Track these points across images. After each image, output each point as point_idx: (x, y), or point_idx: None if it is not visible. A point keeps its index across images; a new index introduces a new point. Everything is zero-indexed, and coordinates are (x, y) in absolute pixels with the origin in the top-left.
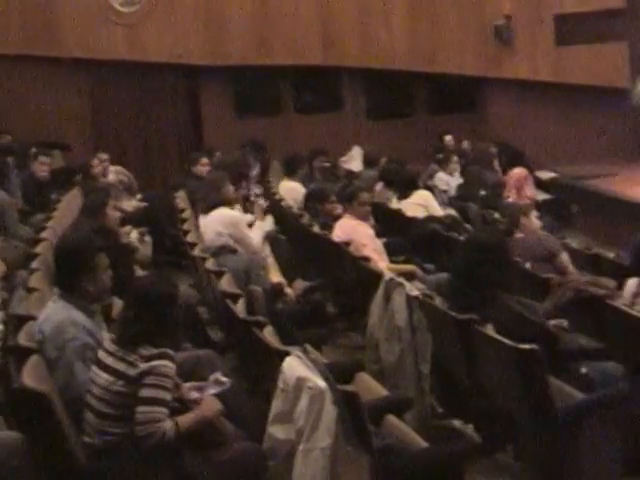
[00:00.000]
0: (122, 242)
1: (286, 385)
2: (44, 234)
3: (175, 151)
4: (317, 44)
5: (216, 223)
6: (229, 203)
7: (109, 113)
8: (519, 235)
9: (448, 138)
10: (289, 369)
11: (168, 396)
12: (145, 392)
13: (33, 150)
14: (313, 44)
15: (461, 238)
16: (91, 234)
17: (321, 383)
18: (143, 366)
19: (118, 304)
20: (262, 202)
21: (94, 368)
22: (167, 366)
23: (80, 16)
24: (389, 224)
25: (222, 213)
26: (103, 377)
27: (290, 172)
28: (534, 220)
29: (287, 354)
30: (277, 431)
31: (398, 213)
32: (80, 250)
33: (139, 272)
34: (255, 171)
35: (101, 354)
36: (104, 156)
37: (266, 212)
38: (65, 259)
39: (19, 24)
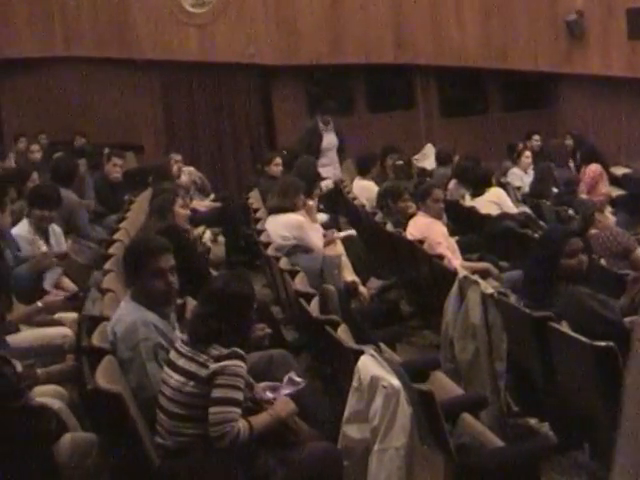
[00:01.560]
0: (192, 241)
1: (361, 384)
2: (117, 235)
3: (248, 151)
4: (389, 42)
5: (281, 227)
6: (296, 210)
7: (182, 114)
8: (594, 232)
9: (536, 137)
10: (364, 368)
11: (240, 396)
12: (217, 392)
13: (106, 152)
14: (385, 42)
15: (535, 235)
16: (157, 235)
17: (396, 382)
18: (214, 366)
19: (192, 304)
20: (312, 203)
21: (166, 369)
22: (238, 366)
23: (152, 18)
24: (462, 222)
25: (288, 217)
26: (175, 378)
27: (363, 171)
28: (609, 216)
29: (361, 353)
30: (352, 430)
31: (471, 211)
32: (146, 251)
33: (213, 272)
34: None
35: (172, 355)
36: (178, 157)
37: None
38: (132, 260)
39: (92, 27)
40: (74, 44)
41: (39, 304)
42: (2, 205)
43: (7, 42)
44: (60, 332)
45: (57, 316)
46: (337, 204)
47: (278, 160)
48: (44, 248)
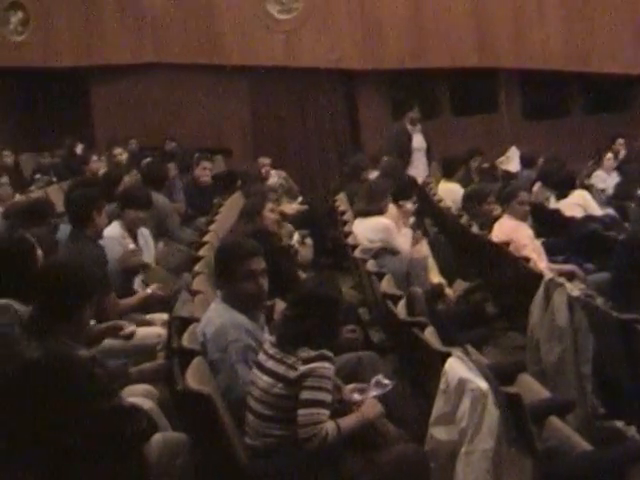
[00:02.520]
0: (282, 244)
1: (448, 386)
2: (207, 237)
3: (334, 154)
4: (472, 46)
5: (368, 230)
6: (383, 213)
7: (269, 118)
8: None
9: (620, 141)
10: (451, 370)
11: (328, 398)
12: (305, 394)
13: (196, 155)
14: (468, 46)
15: (620, 237)
16: (247, 238)
17: (483, 384)
18: (302, 368)
19: (280, 306)
20: (410, 206)
21: (255, 370)
22: (326, 368)
23: (240, 24)
24: (547, 224)
25: (376, 221)
26: (263, 379)
27: (448, 173)
28: None
29: (449, 355)
30: (439, 432)
31: (556, 213)
32: (237, 254)
33: (301, 274)
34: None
35: (261, 356)
36: (266, 160)
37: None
38: (224, 263)
39: (181, 34)
40: (164, 51)
41: (148, 290)
42: (99, 208)
43: (99, 49)
44: (154, 331)
45: (148, 317)
46: (423, 206)
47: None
48: (132, 246)
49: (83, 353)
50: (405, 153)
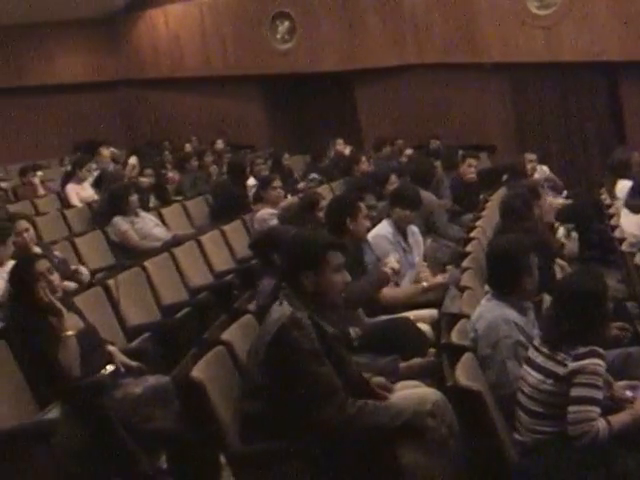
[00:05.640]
0: (549, 239)
1: None
2: (474, 233)
3: (596, 148)
4: None
5: (634, 225)
6: None
7: (531, 114)
8: None
9: None
10: None
11: (600, 395)
12: (576, 391)
13: (461, 153)
14: None
15: None
16: (523, 235)
17: None
18: (573, 365)
19: (547, 300)
20: None
21: (525, 366)
22: (597, 364)
23: (499, 21)
24: None
25: None
26: (533, 375)
27: None
28: None
29: None
30: None
31: None
32: (516, 252)
33: (566, 268)
34: None
35: (531, 352)
36: (532, 156)
37: None
38: (502, 261)
39: (442, 34)
40: (425, 51)
41: (424, 284)
42: (355, 214)
43: (362, 53)
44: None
45: (416, 312)
46: None
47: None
48: (395, 264)
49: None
50: None
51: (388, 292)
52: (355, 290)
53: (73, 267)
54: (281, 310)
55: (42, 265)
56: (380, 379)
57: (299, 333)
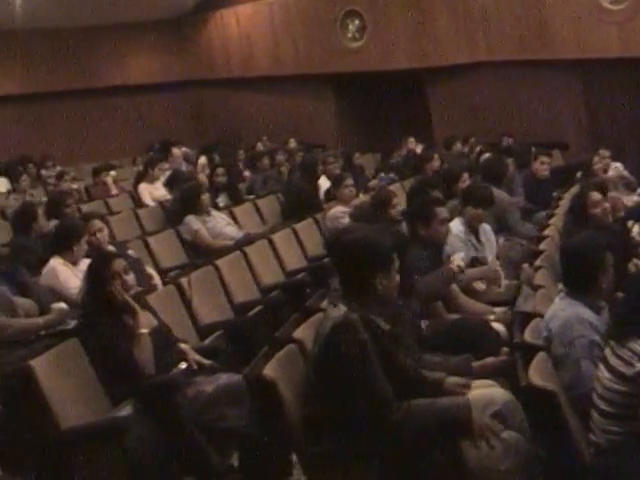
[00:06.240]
0: (627, 238)
1: None
2: (547, 232)
3: None
4: None
5: None
6: None
7: (604, 111)
8: None
9: None
10: None
11: None
12: None
13: (534, 150)
14: None
15: None
16: (597, 234)
17: None
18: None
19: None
20: None
21: (600, 366)
22: None
23: (571, 17)
24: None
25: None
26: (605, 375)
27: None
28: None
29: None
30: None
31: None
32: (591, 250)
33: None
34: None
35: (607, 351)
36: (606, 153)
37: None
38: (578, 260)
39: (512, 31)
40: (496, 48)
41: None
42: (431, 217)
43: (433, 51)
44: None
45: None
46: None
47: None
48: (460, 262)
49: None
50: None
51: (464, 299)
52: (424, 285)
53: (148, 270)
54: (336, 312)
55: (119, 264)
56: (457, 379)
57: (349, 337)
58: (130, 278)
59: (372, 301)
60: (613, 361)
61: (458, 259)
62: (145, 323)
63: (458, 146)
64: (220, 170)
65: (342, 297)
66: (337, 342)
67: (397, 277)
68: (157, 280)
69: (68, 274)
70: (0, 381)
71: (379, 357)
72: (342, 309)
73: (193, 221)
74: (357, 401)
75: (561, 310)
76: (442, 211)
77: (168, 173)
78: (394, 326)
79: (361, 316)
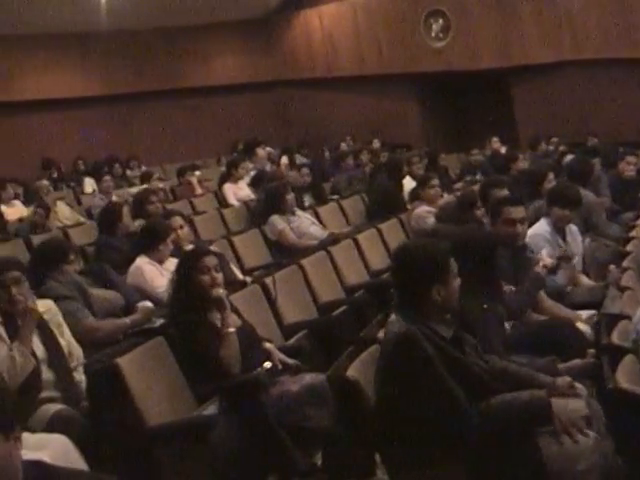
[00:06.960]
0: None
1: None
2: (633, 233)
3: None
4: None
5: None
6: None
7: None
8: None
9: None
10: None
11: None
12: None
13: (620, 150)
14: None
15: None
16: None
17: None
18: None
19: None
20: None
21: None
22: None
23: None
24: None
25: None
26: None
27: None
28: None
29: None
30: None
31: None
32: None
33: None
34: None
35: None
36: None
37: None
38: None
39: (599, 29)
40: (581, 47)
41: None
42: (496, 216)
43: (518, 50)
44: None
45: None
46: None
47: None
48: (547, 260)
49: None
50: None
51: (551, 303)
52: (516, 303)
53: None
54: (396, 325)
55: (211, 260)
56: (567, 378)
57: (413, 353)
58: (219, 276)
59: (431, 312)
60: None
61: (545, 258)
62: (231, 322)
63: (543, 146)
64: (305, 170)
65: (398, 308)
66: (401, 360)
67: (457, 281)
68: (240, 276)
69: (155, 273)
70: (87, 379)
71: (447, 366)
72: (400, 321)
73: (277, 221)
74: (430, 415)
75: None
76: (510, 211)
77: (252, 173)
78: (456, 330)
79: (419, 328)
